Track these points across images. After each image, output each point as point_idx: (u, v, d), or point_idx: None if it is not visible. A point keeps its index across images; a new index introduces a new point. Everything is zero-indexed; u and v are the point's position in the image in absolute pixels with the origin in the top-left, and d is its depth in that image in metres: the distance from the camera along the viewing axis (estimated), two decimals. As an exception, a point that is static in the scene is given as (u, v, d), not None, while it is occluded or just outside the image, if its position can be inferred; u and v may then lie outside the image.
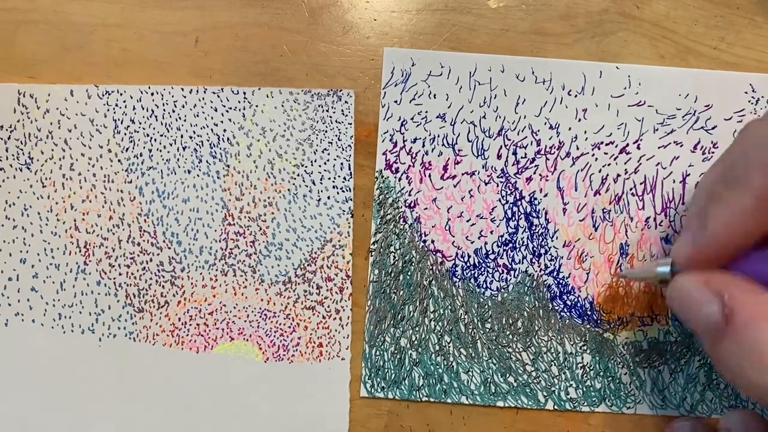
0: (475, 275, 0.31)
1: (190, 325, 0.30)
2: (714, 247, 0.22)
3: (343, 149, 0.31)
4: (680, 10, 0.32)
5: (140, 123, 0.31)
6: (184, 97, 0.31)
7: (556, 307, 0.31)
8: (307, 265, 0.31)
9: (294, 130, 0.31)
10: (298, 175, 0.31)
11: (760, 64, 0.32)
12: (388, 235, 0.31)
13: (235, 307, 0.30)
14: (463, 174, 0.31)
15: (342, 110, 0.31)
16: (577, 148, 0.31)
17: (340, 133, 0.31)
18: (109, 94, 0.31)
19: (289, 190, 0.31)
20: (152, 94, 0.31)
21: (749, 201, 0.21)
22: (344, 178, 0.31)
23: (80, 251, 0.30)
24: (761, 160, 0.20)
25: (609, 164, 0.31)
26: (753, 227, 0.21)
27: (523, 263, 0.31)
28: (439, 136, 0.31)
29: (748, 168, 0.21)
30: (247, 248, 0.31)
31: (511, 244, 0.31)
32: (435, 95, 0.31)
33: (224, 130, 0.31)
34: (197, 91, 0.31)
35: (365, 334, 0.30)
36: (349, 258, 0.31)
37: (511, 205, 0.31)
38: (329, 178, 0.31)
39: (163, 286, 0.30)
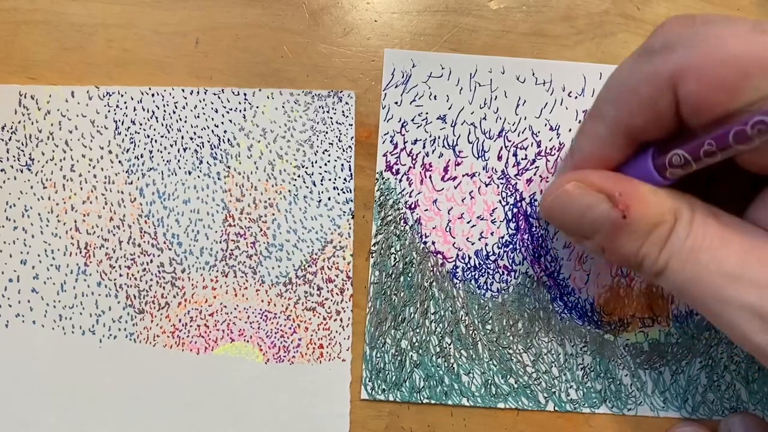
0: (476, 277, 0.31)
1: (191, 326, 0.30)
2: (582, 168, 0.24)
3: (343, 150, 0.31)
4: (681, 11, 0.32)
5: (141, 124, 0.31)
6: (185, 98, 0.31)
7: (557, 309, 0.31)
8: (308, 266, 0.31)
9: (294, 132, 0.31)
10: (299, 176, 0.31)
11: (760, 65, 0.32)
12: (388, 237, 0.31)
13: (235, 309, 0.30)
14: (463, 175, 0.31)
15: (342, 111, 0.31)
16: (578, 150, 0.31)
17: (340, 134, 0.31)
18: (110, 96, 0.31)
19: (289, 191, 0.31)
20: (153, 95, 0.31)
21: (603, 129, 0.23)
22: (345, 180, 0.31)
23: (81, 252, 0.30)
24: (613, 94, 0.22)
25: (610, 165, 0.31)
26: (610, 153, 0.23)
27: (523, 265, 0.31)
28: (439, 138, 0.31)
29: (604, 101, 0.23)
30: (247, 249, 0.31)
31: (511, 246, 0.31)
32: (435, 96, 0.31)
33: (225, 131, 0.31)
34: (198, 92, 0.31)
35: (366, 336, 0.30)
36: (350, 259, 0.31)
37: (511, 207, 0.31)
38: (330, 180, 0.31)
39: (163, 288, 0.30)
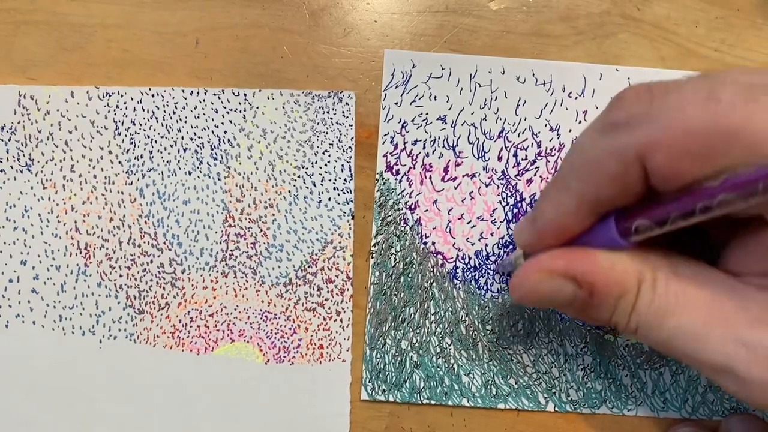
0: (476, 277, 0.31)
1: (191, 326, 0.30)
2: (543, 239, 0.24)
3: (343, 151, 0.31)
4: (681, 11, 0.32)
5: (141, 124, 0.31)
6: (185, 98, 0.31)
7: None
8: (308, 266, 0.31)
9: (295, 132, 0.31)
10: (299, 176, 0.31)
11: (760, 65, 0.32)
12: (388, 237, 0.31)
13: (235, 309, 0.30)
14: (463, 176, 0.31)
15: (343, 112, 0.31)
16: (578, 150, 0.31)
17: (340, 134, 0.31)
18: (110, 96, 0.31)
19: (289, 191, 0.31)
20: (153, 95, 0.31)
21: (569, 201, 0.23)
22: (345, 180, 0.31)
23: (81, 253, 0.30)
24: (578, 168, 0.23)
25: (610, 166, 0.31)
26: (574, 221, 0.23)
27: (523, 265, 0.31)
28: (439, 138, 0.31)
29: (568, 174, 0.23)
30: (247, 250, 0.31)
31: (511, 246, 0.31)
32: (435, 97, 0.31)
33: (225, 132, 0.31)
34: (198, 93, 0.31)
35: (366, 337, 0.30)
36: (350, 260, 0.31)
37: (511, 207, 0.31)
38: (330, 180, 0.31)
39: (163, 288, 0.30)
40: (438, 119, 0.31)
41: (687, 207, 0.20)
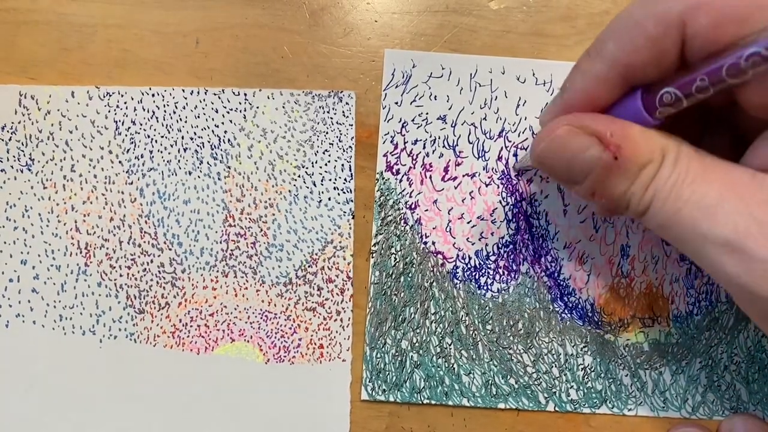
0: (476, 277, 0.31)
1: (191, 326, 0.30)
2: (570, 111, 0.24)
3: (343, 150, 0.31)
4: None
5: (141, 124, 0.31)
6: (185, 98, 0.31)
7: (557, 309, 0.31)
8: (308, 266, 0.31)
9: (295, 132, 0.31)
10: (299, 176, 0.31)
11: (761, 65, 0.32)
12: (388, 237, 0.31)
13: (235, 309, 0.30)
14: (463, 175, 0.31)
15: (343, 111, 0.31)
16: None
17: (340, 134, 0.31)
18: (110, 96, 0.31)
19: (289, 191, 0.31)
20: (153, 95, 0.31)
21: (600, 66, 0.23)
22: (345, 180, 0.31)
23: (81, 252, 0.30)
24: (617, 31, 0.22)
25: (610, 166, 0.31)
26: (602, 92, 0.23)
27: (523, 265, 0.31)
28: (439, 138, 0.31)
29: (606, 39, 0.23)
30: (247, 249, 0.31)
31: (511, 246, 0.31)
32: (436, 97, 0.31)
33: (225, 132, 0.31)
34: (198, 93, 0.31)
35: (366, 337, 0.30)
36: (350, 259, 0.31)
37: (511, 207, 0.31)
38: (330, 180, 0.31)
39: (163, 288, 0.30)
40: (438, 119, 0.31)
41: (715, 67, 0.20)
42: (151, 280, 0.30)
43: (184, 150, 0.31)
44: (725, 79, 0.20)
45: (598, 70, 0.23)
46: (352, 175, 0.31)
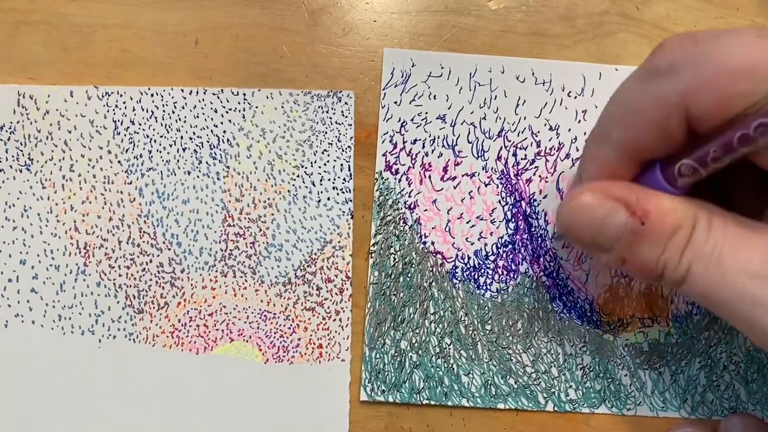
0: (475, 277, 0.31)
1: (190, 326, 0.30)
2: None
3: (343, 150, 0.31)
4: (680, 11, 0.32)
5: (140, 124, 0.31)
6: (184, 98, 0.31)
7: (556, 309, 0.31)
8: (307, 266, 0.31)
9: (294, 132, 0.31)
10: (298, 176, 0.31)
11: (760, 65, 0.32)
12: (388, 237, 0.31)
13: (235, 308, 0.30)
14: (463, 175, 0.31)
15: (342, 111, 0.31)
16: (577, 150, 0.31)
17: (340, 134, 0.31)
18: (109, 95, 0.31)
19: (288, 191, 0.31)
20: (152, 95, 0.31)
21: (609, 152, 0.23)
22: (344, 180, 0.31)
23: (80, 252, 0.30)
24: (619, 117, 0.23)
25: (609, 165, 0.31)
26: (618, 173, 0.23)
27: (522, 265, 0.31)
28: (439, 138, 0.31)
29: (609, 124, 0.23)
30: (246, 249, 0.31)
31: (510, 246, 0.31)
32: (435, 96, 0.31)
33: (224, 132, 0.31)
34: (197, 93, 0.31)
35: (365, 337, 0.30)
36: (349, 259, 0.31)
37: (510, 207, 0.31)
38: (329, 180, 0.31)
39: (162, 288, 0.30)
40: (437, 118, 0.31)
41: (726, 139, 0.20)
42: (150, 279, 0.30)
43: (183, 150, 0.31)
44: (737, 149, 0.20)
45: (607, 155, 0.23)
46: (351, 175, 0.31)
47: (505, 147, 0.31)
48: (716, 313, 0.23)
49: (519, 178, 0.31)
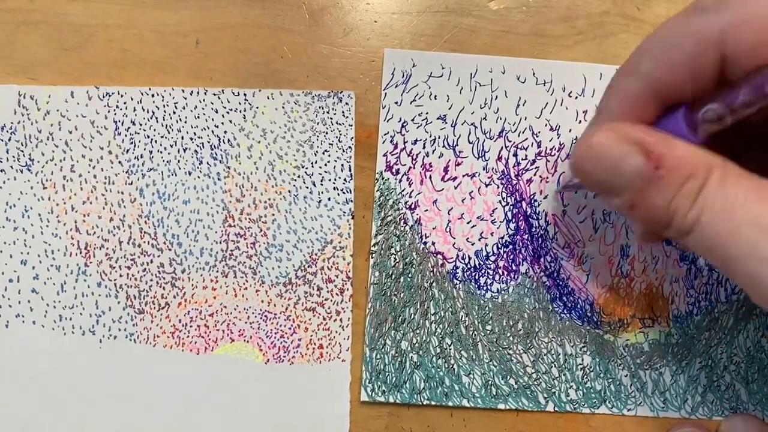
0: (476, 277, 0.31)
1: (191, 326, 0.30)
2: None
3: (343, 151, 0.31)
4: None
5: (141, 124, 0.31)
6: (185, 98, 0.31)
7: (557, 309, 0.31)
8: (308, 266, 0.31)
9: (294, 132, 0.31)
10: (299, 176, 0.31)
11: (761, 65, 0.32)
12: (388, 237, 0.31)
13: (235, 309, 0.30)
14: (463, 175, 0.31)
15: (342, 112, 0.31)
16: (578, 150, 0.31)
17: (340, 134, 0.31)
18: (110, 96, 0.31)
19: (289, 191, 0.31)
20: (153, 95, 0.31)
21: (636, 85, 0.23)
22: (345, 180, 0.31)
23: (81, 253, 0.30)
24: (654, 49, 0.22)
25: (610, 166, 0.31)
26: (639, 111, 0.23)
27: (523, 265, 0.31)
28: (439, 138, 0.31)
29: (641, 57, 0.23)
30: (247, 250, 0.31)
31: (511, 246, 0.31)
32: (435, 96, 0.31)
33: (225, 132, 0.31)
34: (198, 93, 0.31)
35: (365, 337, 0.30)
36: (350, 259, 0.31)
37: (511, 207, 0.31)
38: (330, 180, 0.31)
39: (163, 288, 0.30)
40: (438, 119, 0.31)
41: (758, 82, 0.20)
42: (151, 280, 0.30)
43: (184, 150, 0.31)
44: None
45: (633, 88, 0.23)
46: (351, 175, 0.31)
47: (506, 147, 0.31)
48: (719, 268, 0.23)
49: (520, 178, 0.31)
